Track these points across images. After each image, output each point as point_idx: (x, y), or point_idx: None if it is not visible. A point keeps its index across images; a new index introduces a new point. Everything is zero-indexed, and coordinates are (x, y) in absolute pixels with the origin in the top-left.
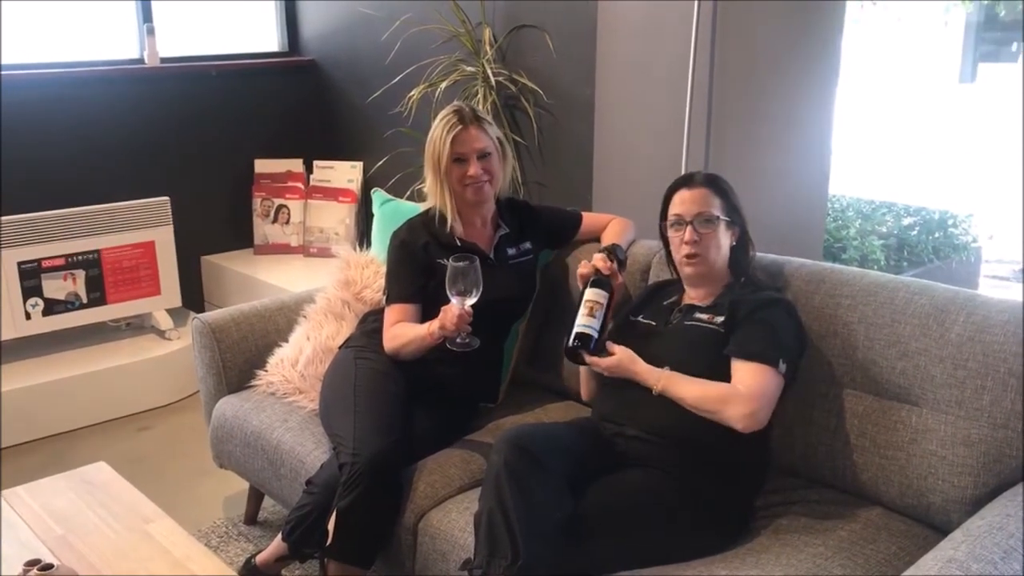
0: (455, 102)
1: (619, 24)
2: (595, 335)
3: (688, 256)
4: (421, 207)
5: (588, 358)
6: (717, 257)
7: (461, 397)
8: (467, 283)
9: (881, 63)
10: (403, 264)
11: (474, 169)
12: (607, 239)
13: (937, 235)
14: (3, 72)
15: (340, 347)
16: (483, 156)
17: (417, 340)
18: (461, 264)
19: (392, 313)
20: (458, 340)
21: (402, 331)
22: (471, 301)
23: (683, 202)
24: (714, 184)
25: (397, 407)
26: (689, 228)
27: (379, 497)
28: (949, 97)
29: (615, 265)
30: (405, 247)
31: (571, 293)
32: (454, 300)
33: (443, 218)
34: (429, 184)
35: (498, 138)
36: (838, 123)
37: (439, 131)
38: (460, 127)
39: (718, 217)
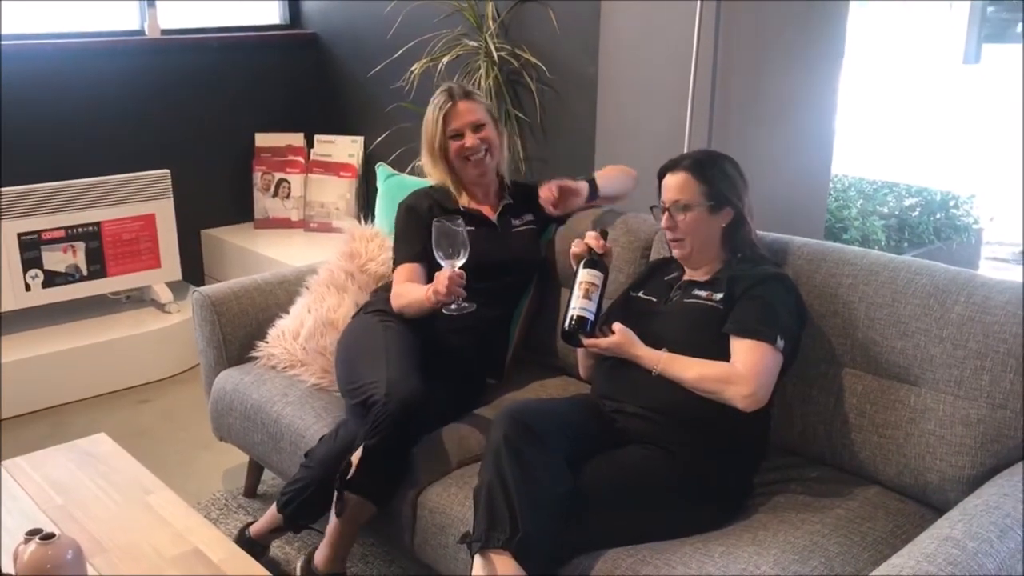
0: (444, 84)
1: (623, 1)
2: (591, 317)
3: (670, 241)
4: (425, 183)
5: (586, 340)
6: (696, 241)
7: (470, 368)
8: (453, 244)
9: (885, 43)
10: (409, 226)
11: (471, 140)
12: (600, 180)
13: (939, 216)
14: (3, 43)
15: (360, 312)
16: (478, 128)
17: (416, 303)
18: (444, 224)
19: (400, 273)
20: (453, 306)
21: (405, 291)
22: (460, 262)
23: (667, 188)
24: (698, 169)
25: (423, 367)
26: (666, 214)
27: (404, 440)
28: (953, 77)
29: (608, 244)
30: (411, 211)
31: (568, 272)
32: (443, 264)
33: (447, 191)
34: (427, 167)
35: (489, 110)
36: (841, 103)
37: (431, 113)
38: (450, 103)
39: (692, 204)
